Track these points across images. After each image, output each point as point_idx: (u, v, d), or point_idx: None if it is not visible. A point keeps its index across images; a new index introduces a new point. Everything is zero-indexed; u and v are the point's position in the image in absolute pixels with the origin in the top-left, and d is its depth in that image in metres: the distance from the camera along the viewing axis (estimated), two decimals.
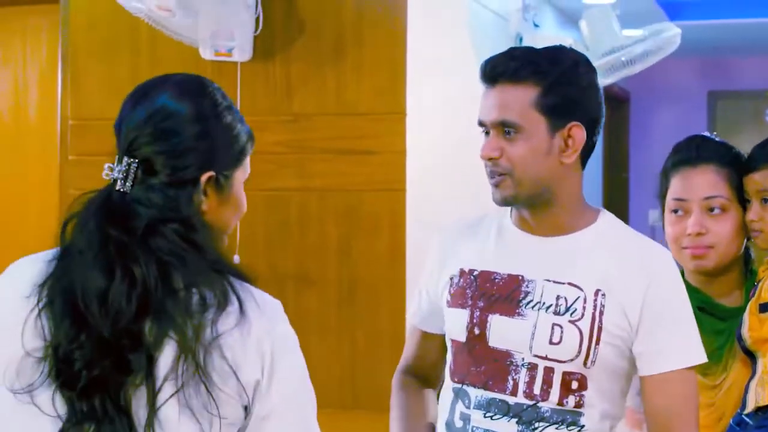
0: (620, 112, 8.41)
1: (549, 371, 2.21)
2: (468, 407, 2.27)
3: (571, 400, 2.21)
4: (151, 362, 1.69)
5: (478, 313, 2.27)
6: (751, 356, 2.46)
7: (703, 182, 2.54)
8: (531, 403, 2.21)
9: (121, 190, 1.77)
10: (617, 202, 8.24)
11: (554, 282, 2.24)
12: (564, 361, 2.20)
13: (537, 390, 2.21)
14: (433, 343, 2.47)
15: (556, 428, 2.21)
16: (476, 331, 2.27)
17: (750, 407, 2.39)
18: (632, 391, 2.33)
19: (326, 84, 3.90)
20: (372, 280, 3.85)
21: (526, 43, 4.91)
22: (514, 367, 2.23)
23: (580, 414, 2.21)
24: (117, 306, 1.69)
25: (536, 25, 5.25)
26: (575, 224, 2.29)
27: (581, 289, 2.22)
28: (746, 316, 2.47)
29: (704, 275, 2.59)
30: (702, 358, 2.24)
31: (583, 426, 2.21)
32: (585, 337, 2.19)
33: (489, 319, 2.26)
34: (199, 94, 1.85)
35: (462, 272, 2.33)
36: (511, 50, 2.28)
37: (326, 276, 3.91)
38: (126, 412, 1.69)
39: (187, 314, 1.70)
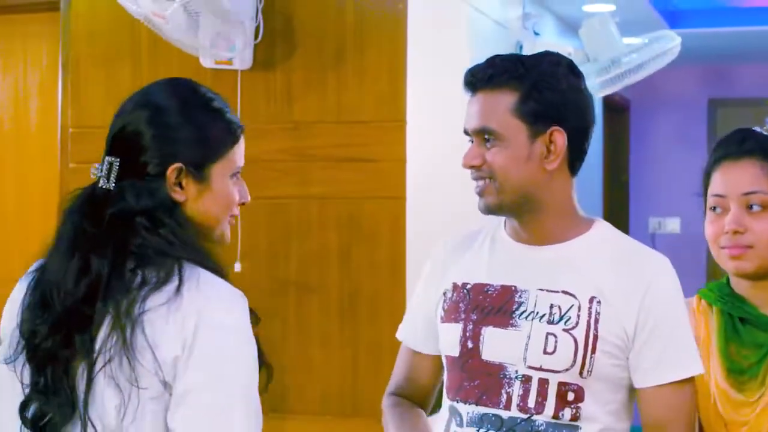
0: (620, 120, 8.41)
1: (544, 383, 2.15)
2: (460, 425, 2.21)
3: (567, 413, 2.15)
4: (92, 340, 1.84)
5: (471, 327, 2.23)
6: None
7: (744, 177, 2.31)
8: (525, 416, 2.16)
9: (103, 186, 1.94)
10: (617, 209, 8.23)
11: (547, 291, 2.20)
12: (559, 371, 2.15)
13: (531, 403, 2.15)
14: (425, 364, 2.41)
15: None
16: (469, 344, 2.22)
17: None
18: None
19: (327, 92, 3.91)
20: (372, 287, 3.85)
21: (526, 51, 4.92)
22: (507, 380, 2.18)
23: (576, 428, 2.15)
24: (66, 288, 1.87)
25: (536, 34, 5.26)
26: (568, 233, 2.25)
27: (575, 297, 2.18)
28: None
29: (746, 279, 2.34)
30: (698, 369, 2.19)
31: None
32: (580, 345, 2.15)
33: (482, 331, 2.22)
34: (166, 93, 1.99)
35: (455, 286, 2.30)
36: (492, 57, 2.25)
37: (327, 283, 3.91)
38: (71, 386, 1.85)
39: (126, 292, 1.84)
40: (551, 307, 2.18)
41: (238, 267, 3.92)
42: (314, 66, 3.92)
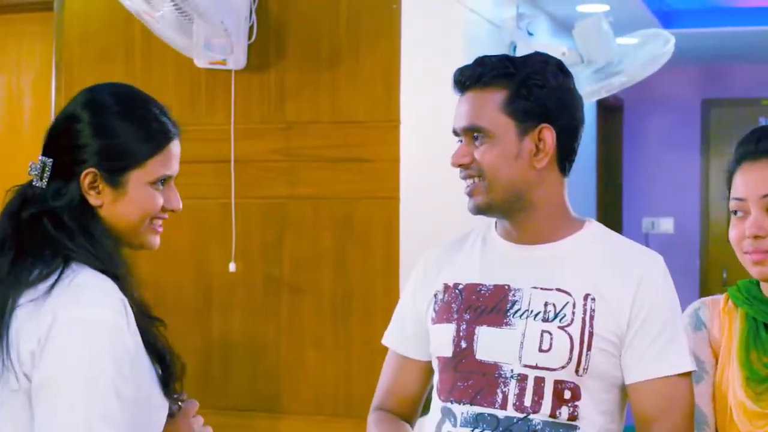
0: (614, 120, 8.41)
1: (540, 381, 2.16)
2: (454, 425, 2.20)
3: (564, 412, 2.15)
4: None
5: (464, 326, 2.23)
6: None
7: (762, 178, 2.22)
8: (522, 416, 2.15)
9: (36, 185, 2.04)
10: (611, 209, 8.24)
11: (542, 289, 2.20)
12: (555, 369, 2.15)
13: (527, 402, 2.15)
14: (414, 370, 2.40)
15: None
16: (463, 344, 2.22)
17: None
18: None
19: (320, 92, 3.90)
20: (366, 287, 3.84)
21: (520, 51, 4.92)
22: (503, 380, 2.17)
23: (574, 428, 2.15)
24: None
25: (530, 34, 5.26)
26: (559, 232, 2.26)
27: (570, 295, 2.18)
28: None
29: None
30: (687, 366, 2.18)
31: None
32: (576, 342, 2.15)
33: (476, 331, 2.21)
34: (86, 100, 2.05)
35: (446, 287, 2.30)
36: (481, 57, 2.26)
37: (320, 283, 3.90)
38: None
39: (11, 288, 1.92)
40: (546, 304, 2.19)
41: (232, 267, 3.92)
42: (308, 66, 3.91)
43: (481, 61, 2.24)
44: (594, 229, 2.29)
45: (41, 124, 4.55)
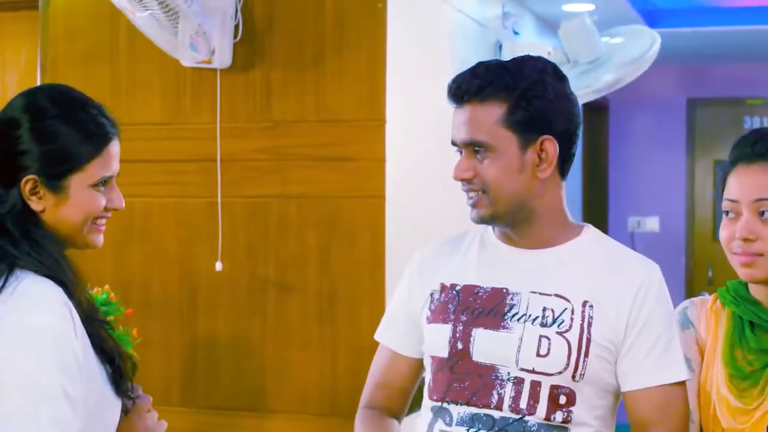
0: (599, 120, 8.42)
1: (536, 385, 2.16)
2: (449, 424, 2.20)
3: (558, 416, 2.16)
4: None
5: (461, 328, 2.22)
6: None
7: (756, 182, 2.22)
8: (517, 417, 2.16)
9: None
10: (596, 209, 8.25)
11: (540, 294, 2.20)
12: (552, 374, 2.15)
13: (523, 404, 2.16)
14: (405, 367, 2.39)
15: None
16: (459, 345, 2.22)
17: None
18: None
19: (306, 91, 3.90)
20: (351, 286, 3.85)
21: (505, 50, 4.92)
22: (499, 382, 2.18)
23: (567, 430, 2.16)
24: None
25: (516, 33, 5.26)
26: (559, 238, 2.26)
27: (568, 301, 2.19)
28: None
29: (762, 285, 2.27)
30: (682, 375, 2.20)
31: None
32: (573, 348, 2.15)
33: (473, 333, 2.21)
34: (26, 104, 2.02)
35: (443, 287, 2.29)
36: (477, 67, 2.23)
37: (306, 282, 3.91)
38: None
39: None
40: (544, 309, 2.19)
41: (218, 266, 3.92)
42: (294, 65, 3.91)
43: (478, 73, 2.21)
44: (592, 234, 2.30)
45: None
